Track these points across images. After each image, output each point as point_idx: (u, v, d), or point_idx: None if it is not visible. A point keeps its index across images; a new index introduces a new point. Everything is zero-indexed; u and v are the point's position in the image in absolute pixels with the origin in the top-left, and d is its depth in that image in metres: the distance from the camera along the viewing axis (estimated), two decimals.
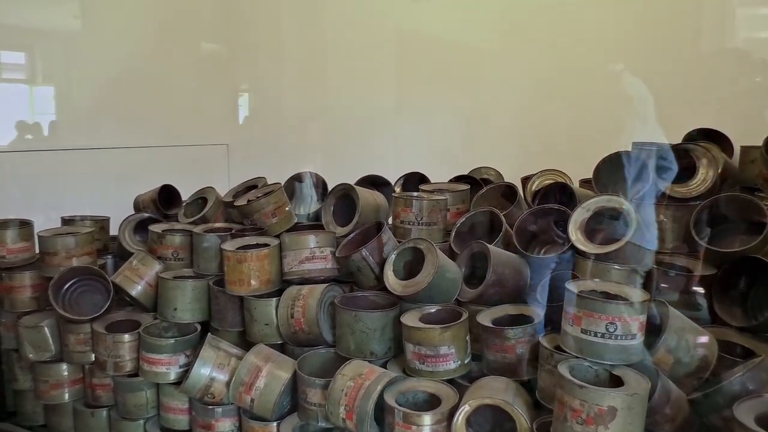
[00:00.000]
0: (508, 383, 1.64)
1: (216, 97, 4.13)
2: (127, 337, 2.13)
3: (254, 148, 4.06)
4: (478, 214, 2.26)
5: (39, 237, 2.35)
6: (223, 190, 2.64)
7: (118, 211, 2.62)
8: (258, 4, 3.99)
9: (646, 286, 1.78)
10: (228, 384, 1.95)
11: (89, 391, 2.29)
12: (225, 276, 2.09)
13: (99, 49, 3.48)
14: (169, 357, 2.05)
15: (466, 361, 1.76)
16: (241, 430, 2.00)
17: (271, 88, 4.11)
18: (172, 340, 2.07)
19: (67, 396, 2.31)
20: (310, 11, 3.78)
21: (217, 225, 2.41)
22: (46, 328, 2.26)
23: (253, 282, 2.04)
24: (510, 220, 2.16)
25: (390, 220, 2.31)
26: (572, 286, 1.54)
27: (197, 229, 2.30)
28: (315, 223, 2.38)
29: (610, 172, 2.19)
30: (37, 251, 2.39)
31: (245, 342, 2.09)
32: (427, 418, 1.58)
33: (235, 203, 2.39)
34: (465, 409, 1.56)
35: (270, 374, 1.89)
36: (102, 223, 2.62)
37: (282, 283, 2.10)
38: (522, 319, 1.78)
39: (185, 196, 2.71)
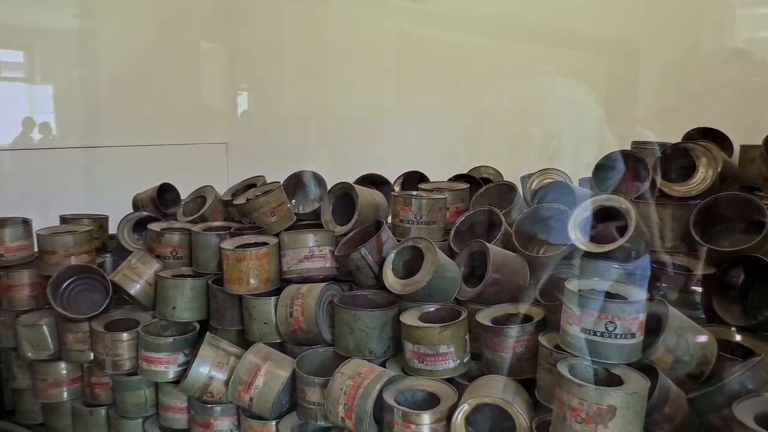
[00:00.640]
0: (507, 382, 1.64)
1: (215, 95, 4.13)
2: (125, 335, 2.13)
3: (253, 147, 4.06)
4: (478, 213, 2.26)
5: (37, 235, 2.35)
6: (222, 188, 2.63)
7: (117, 210, 2.61)
8: (258, 4, 3.98)
9: (646, 285, 1.78)
10: (227, 383, 1.94)
11: (88, 389, 2.29)
12: (224, 275, 2.09)
13: (98, 47, 3.48)
14: (168, 356, 2.05)
15: (465, 360, 1.75)
16: (239, 429, 2.00)
17: (270, 87, 4.11)
18: (170, 339, 2.06)
19: (65, 395, 2.31)
20: (309, 11, 3.79)
21: (216, 224, 2.41)
22: (44, 327, 2.26)
23: (252, 281, 2.04)
24: (509, 219, 2.16)
25: (389, 219, 2.31)
26: (571, 285, 1.54)
27: (196, 228, 2.30)
28: (314, 222, 2.37)
29: (610, 171, 2.19)
30: (36, 250, 2.38)
31: (244, 341, 2.08)
32: (426, 417, 1.58)
33: (234, 202, 2.38)
34: (464, 408, 1.56)
35: (269, 373, 1.89)
36: (101, 222, 2.62)
37: (281, 282, 2.10)
38: (521, 318, 1.77)
39: (184, 194, 2.70)
